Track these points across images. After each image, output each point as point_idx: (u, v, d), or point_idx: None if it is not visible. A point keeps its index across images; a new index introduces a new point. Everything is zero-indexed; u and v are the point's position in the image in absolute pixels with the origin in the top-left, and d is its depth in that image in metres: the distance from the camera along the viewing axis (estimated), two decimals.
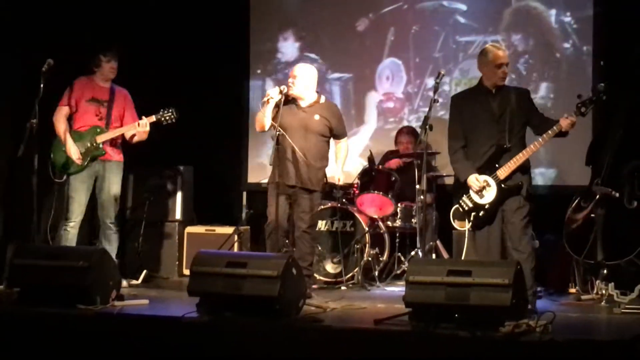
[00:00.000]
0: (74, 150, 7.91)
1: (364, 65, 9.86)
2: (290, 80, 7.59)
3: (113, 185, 8.12)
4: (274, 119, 7.48)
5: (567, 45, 9.11)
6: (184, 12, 10.01)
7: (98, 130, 8.01)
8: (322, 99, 7.78)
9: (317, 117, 7.62)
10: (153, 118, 8.03)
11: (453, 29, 9.50)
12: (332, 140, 7.84)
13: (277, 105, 7.47)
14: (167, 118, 8.05)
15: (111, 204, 8.11)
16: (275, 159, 7.52)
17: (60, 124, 8.00)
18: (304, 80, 7.62)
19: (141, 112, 8.19)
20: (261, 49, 10.23)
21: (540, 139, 6.77)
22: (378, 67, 9.79)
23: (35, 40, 8.67)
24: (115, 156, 8.16)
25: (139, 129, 8.01)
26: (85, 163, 7.96)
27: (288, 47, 10.12)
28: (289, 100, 7.59)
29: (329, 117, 7.68)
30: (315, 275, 8.18)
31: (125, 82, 8.97)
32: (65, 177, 8.02)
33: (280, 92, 7.42)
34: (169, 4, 9.99)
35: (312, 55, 9.98)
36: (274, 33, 10.20)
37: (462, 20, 9.48)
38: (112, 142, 8.10)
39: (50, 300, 6.47)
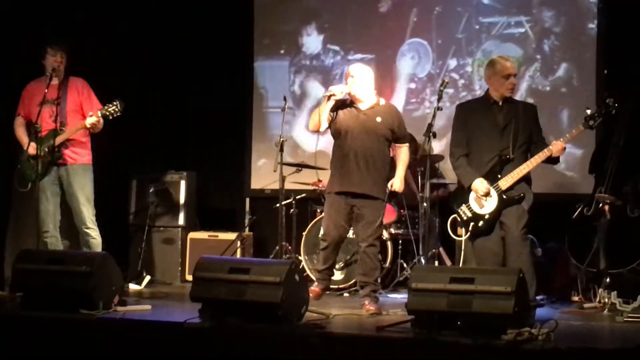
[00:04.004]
0: (31, 145, 7.60)
1: (386, 47, 9.81)
2: (348, 80, 7.25)
3: (81, 189, 7.76)
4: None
5: (592, 25, 9.07)
6: (186, 13, 10.02)
7: (53, 132, 7.65)
8: (382, 101, 7.41)
9: (379, 119, 7.23)
10: (98, 114, 7.65)
11: (476, 9, 9.47)
12: None
13: (333, 108, 7.19)
14: (112, 111, 7.64)
15: (83, 209, 7.75)
16: (334, 166, 7.30)
17: (17, 131, 7.81)
18: (363, 80, 7.25)
19: (144, 115, 7.99)
20: (285, 29, 10.20)
21: (536, 157, 6.77)
22: (400, 48, 9.74)
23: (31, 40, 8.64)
24: (80, 159, 7.81)
25: (88, 125, 7.63)
26: (43, 169, 7.63)
27: (311, 39, 10.09)
28: (347, 104, 7.30)
29: (392, 120, 7.29)
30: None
31: (127, 85, 9.01)
32: (29, 186, 7.68)
33: (342, 92, 7.15)
34: (169, 5, 10.02)
35: (335, 47, 9.98)
36: (296, 17, 10.17)
37: (485, 0, 9.46)
38: (76, 145, 7.78)
39: (52, 305, 6.47)
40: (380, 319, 6.60)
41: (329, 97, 7.13)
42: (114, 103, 7.67)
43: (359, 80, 7.23)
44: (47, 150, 7.64)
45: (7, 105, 8.09)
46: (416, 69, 9.70)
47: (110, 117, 7.70)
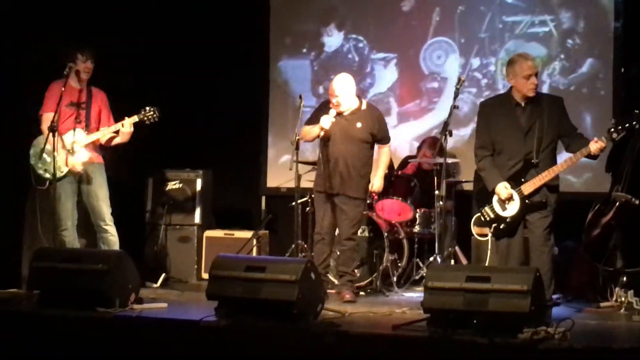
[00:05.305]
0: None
1: (409, 45, 9.78)
2: (334, 100, 7.58)
3: (100, 186, 7.83)
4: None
5: (617, 25, 9.00)
6: (202, 12, 10.03)
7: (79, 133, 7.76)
8: (364, 105, 7.78)
9: (359, 124, 7.65)
10: (135, 118, 7.77)
11: (499, 8, 9.43)
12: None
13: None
14: (150, 117, 7.78)
15: (102, 205, 7.81)
16: (318, 167, 7.77)
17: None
18: (346, 94, 7.61)
19: (160, 113, 7.99)
20: (306, 28, 10.19)
21: (568, 160, 6.76)
22: (423, 47, 9.70)
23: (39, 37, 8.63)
24: (96, 158, 7.88)
25: (123, 130, 7.75)
26: (68, 168, 7.72)
27: (333, 37, 10.07)
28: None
29: (372, 124, 7.70)
30: (334, 280, 8.18)
31: (142, 83, 9.03)
32: (47, 184, 7.65)
33: (332, 120, 7.51)
34: (185, 3, 10.04)
35: (357, 36, 9.97)
36: (316, 16, 10.14)
37: None
38: (92, 145, 7.85)
39: (69, 303, 6.51)
40: (396, 317, 6.59)
41: (322, 128, 7.53)
42: (152, 109, 7.80)
43: (343, 96, 7.60)
44: (70, 150, 7.70)
45: (18, 101, 8.12)
46: (441, 68, 9.66)
47: (147, 122, 7.82)
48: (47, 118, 7.71)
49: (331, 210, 7.72)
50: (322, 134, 7.55)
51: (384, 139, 7.85)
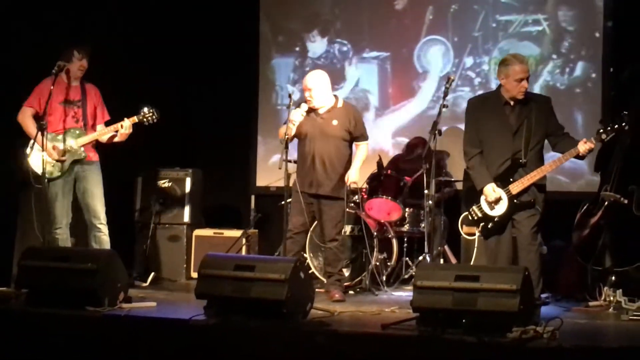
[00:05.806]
0: (51, 152, 7.64)
1: (402, 44, 9.79)
2: (306, 94, 7.57)
3: (96, 185, 7.85)
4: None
5: (609, 24, 9.03)
6: (193, 10, 10.01)
7: (77, 132, 7.77)
8: (340, 103, 7.75)
9: (335, 122, 7.61)
10: (135, 119, 7.76)
11: (493, 7, 9.44)
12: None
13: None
14: (149, 118, 7.78)
15: (97, 204, 7.82)
16: (297, 166, 7.74)
17: (30, 126, 7.69)
18: (320, 90, 7.58)
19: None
20: (299, 27, 10.18)
21: (557, 160, 6.77)
22: (417, 46, 9.70)
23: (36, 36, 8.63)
24: (93, 157, 7.89)
25: (122, 131, 7.74)
26: (67, 167, 7.73)
27: (323, 37, 10.07)
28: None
29: (348, 122, 7.65)
30: (323, 278, 8.18)
31: (132, 82, 9.00)
32: (45, 182, 7.59)
33: (302, 115, 7.50)
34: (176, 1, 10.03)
35: (341, 40, 9.98)
36: (310, 15, 10.15)
37: None
38: (91, 143, 7.87)
39: (58, 302, 6.48)
40: (385, 316, 6.60)
41: (292, 122, 7.48)
42: (151, 110, 7.78)
43: (317, 92, 7.57)
44: (70, 149, 7.72)
45: (16, 98, 8.11)
46: (434, 67, 9.66)
47: (146, 124, 7.81)
48: (25, 111, 7.73)
49: (308, 209, 7.68)
50: (292, 126, 7.45)
51: (361, 136, 7.79)
